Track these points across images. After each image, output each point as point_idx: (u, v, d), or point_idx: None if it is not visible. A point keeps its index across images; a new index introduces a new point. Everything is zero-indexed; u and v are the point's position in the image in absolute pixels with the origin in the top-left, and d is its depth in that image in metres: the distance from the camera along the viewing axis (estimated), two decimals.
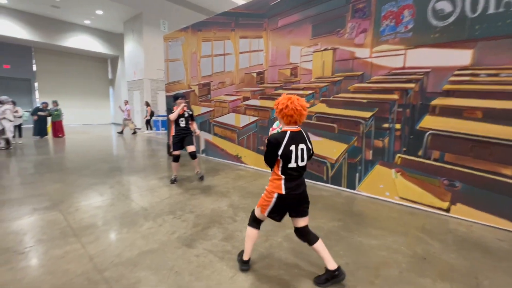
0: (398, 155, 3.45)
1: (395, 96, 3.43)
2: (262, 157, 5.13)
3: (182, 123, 4.19)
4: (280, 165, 1.74)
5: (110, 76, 19.11)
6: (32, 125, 10.12)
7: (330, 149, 4.10)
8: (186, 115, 4.21)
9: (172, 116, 4.09)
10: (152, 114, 12.73)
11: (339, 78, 3.95)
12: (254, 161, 5.33)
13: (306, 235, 1.89)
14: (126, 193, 3.70)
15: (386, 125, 3.54)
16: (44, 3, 12.46)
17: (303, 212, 1.88)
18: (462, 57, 2.92)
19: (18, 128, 8.56)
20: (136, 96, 14.18)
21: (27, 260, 2.07)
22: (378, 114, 3.59)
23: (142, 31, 12.92)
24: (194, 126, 4.33)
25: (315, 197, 3.69)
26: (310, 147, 1.80)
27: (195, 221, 2.82)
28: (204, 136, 6.49)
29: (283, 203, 1.79)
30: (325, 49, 4.05)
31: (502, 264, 2.15)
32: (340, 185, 4.05)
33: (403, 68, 3.33)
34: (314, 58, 4.20)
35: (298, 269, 2.01)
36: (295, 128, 1.74)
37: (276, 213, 1.83)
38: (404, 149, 3.41)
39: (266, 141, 1.73)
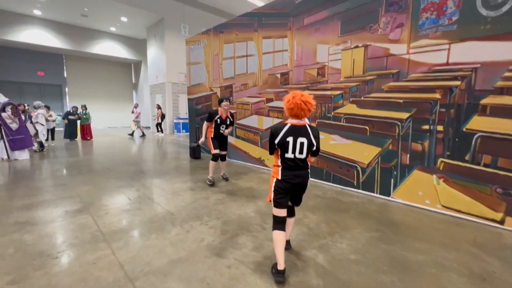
0: (441, 159, 3.15)
1: (436, 95, 3.13)
2: None
3: (223, 130, 4.18)
4: (279, 153, 1.94)
5: (133, 81, 19.82)
6: (63, 128, 10.66)
7: (361, 152, 3.86)
8: (228, 122, 4.20)
9: (204, 126, 4.17)
10: (163, 117, 12.99)
11: (371, 77, 3.70)
12: None
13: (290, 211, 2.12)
14: (152, 197, 3.70)
15: (426, 127, 3.25)
16: (74, 12, 13.17)
17: (298, 202, 2.13)
18: None
19: (51, 131, 9.02)
20: (158, 99, 14.54)
21: (60, 265, 2.07)
22: (417, 115, 3.31)
23: (164, 36, 13.24)
24: (230, 129, 4.30)
25: (346, 203, 3.48)
26: (314, 143, 1.91)
27: (223, 228, 2.71)
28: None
29: (281, 188, 1.93)
30: (355, 47, 3.82)
31: None
32: (372, 191, 3.79)
33: (447, 64, 3.04)
34: (343, 57, 3.98)
35: (337, 280, 1.83)
36: (296, 121, 1.89)
37: (278, 197, 1.94)
38: (448, 153, 3.10)
39: None
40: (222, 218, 2.96)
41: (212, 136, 4.20)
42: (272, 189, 1.96)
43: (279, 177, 1.92)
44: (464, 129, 2.97)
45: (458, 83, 2.98)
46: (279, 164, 1.95)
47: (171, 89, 13.76)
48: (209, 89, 6.84)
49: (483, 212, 2.84)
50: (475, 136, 2.88)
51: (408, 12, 3.27)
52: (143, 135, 12.12)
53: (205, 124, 4.17)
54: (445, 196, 3.12)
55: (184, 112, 14.14)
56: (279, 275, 1.84)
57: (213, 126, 4.17)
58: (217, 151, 4.20)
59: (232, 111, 6.15)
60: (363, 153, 3.84)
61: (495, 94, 2.76)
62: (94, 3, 12.12)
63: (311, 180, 4.56)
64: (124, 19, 13.90)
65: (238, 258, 2.16)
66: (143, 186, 4.23)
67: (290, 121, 1.90)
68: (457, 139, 3.02)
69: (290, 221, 2.15)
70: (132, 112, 12.25)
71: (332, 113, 4.20)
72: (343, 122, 4.07)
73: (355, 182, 3.98)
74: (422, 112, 3.27)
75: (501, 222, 2.76)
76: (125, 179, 4.59)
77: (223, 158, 4.44)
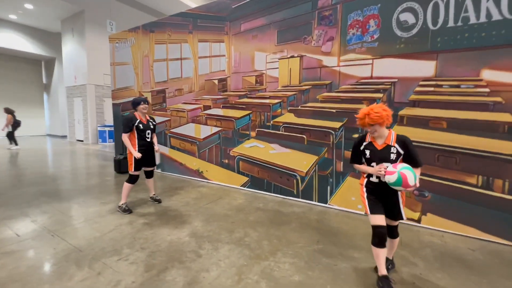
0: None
1: (364, 106, 3.35)
2: (226, 172, 4.71)
3: (148, 137, 3.42)
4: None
5: (44, 81, 16.58)
6: None
7: (300, 161, 3.87)
8: (151, 126, 3.47)
9: (124, 139, 3.29)
10: (16, 124, 9.71)
11: (307, 87, 3.77)
12: (218, 176, 4.84)
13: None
14: (54, 228, 2.89)
15: (356, 135, 3.44)
16: None
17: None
18: (426, 68, 2.96)
19: None
20: (77, 104, 12.44)
21: None
22: (348, 124, 3.48)
23: (85, 32, 11.47)
24: (155, 140, 3.57)
25: (287, 214, 3.39)
26: None
27: (147, 262, 2.23)
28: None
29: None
30: (291, 56, 3.86)
31: (484, 280, 2.07)
32: (311, 199, 3.83)
33: (371, 77, 3.28)
34: (281, 65, 3.98)
35: None
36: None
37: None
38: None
39: (409, 141, 1.86)
40: (148, 249, 2.46)
41: (137, 149, 3.33)
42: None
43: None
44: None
45: (380, 95, 3.24)
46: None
47: (94, 92, 11.95)
48: (139, 94, 6.06)
49: (406, 213, 3.11)
50: None
51: (338, 27, 3.44)
52: (14, 144, 9.83)
53: (124, 136, 3.30)
54: None
55: (111, 119, 12.44)
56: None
57: (135, 136, 3.34)
58: (137, 172, 3.39)
59: (165, 119, 5.56)
60: (302, 162, 3.86)
61: (410, 106, 3.08)
62: None
63: (253, 191, 4.39)
64: (29, 6, 11.50)
65: None
66: (44, 214, 3.31)
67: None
68: None
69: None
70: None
71: (272, 122, 4.13)
72: (282, 131, 4.03)
73: (295, 191, 3.96)
74: (352, 122, 3.46)
75: (418, 220, 3.06)
76: (18, 207, 3.54)
77: (149, 175, 3.67)
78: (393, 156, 1.82)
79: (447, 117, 2.88)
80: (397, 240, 2.06)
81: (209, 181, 4.96)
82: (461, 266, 2.26)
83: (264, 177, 4.24)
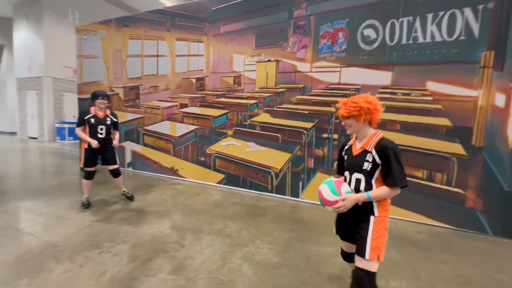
0: (336, 162, 3.74)
1: (332, 109, 3.73)
2: (202, 169, 4.79)
3: (101, 133, 3.31)
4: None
5: None
6: None
7: (274, 158, 4.14)
8: (108, 121, 3.36)
9: (78, 133, 3.21)
10: None
11: (282, 90, 4.06)
12: (194, 174, 4.90)
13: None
14: (23, 226, 2.74)
15: (325, 135, 3.81)
16: None
17: None
18: (384, 77, 3.42)
19: None
20: (31, 97, 11.32)
21: None
22: (318, 125, 3.84)
23: (42, 19, 10.53)
24: (116, 137, 3.50)
25: (263, 208, 3.61)
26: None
27: (131, 253, 2.28)
28: (130, 147, 5.62)
29: None
30: (268, 60, 4.12)
31: (427, 254, 2.51)
32: (284, 194, 4.11)
33: (339, 83, 3.68)
34: (258, 68, 4.22)
35: (264, 286, 1.83)
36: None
37: None
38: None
39: (392, 151, 1.34)
40: (130, 241, 2.49)
41: (87, 145, 3.24)
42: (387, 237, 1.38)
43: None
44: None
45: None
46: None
47: (51, 86, 11.00)
48: (109, 89, 5.84)
49: None
50: None
51: (311, 36, 3.79)
52: None
53: (76, 130, 3.25)
54: None
55: (71, 115, 11.57)
56: None
57: (87, 131, 3.27)
58: (91, 168, 3.31)
59: (139, 116, 5.45)
60: (276, 159, 4.13)
61: None
62: None
63: (229, 187, 4.54)
64: None
65: (154, 287, 1.83)
66: (6, 212, 3.09)
67: (379, 131, 1.47)
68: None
69: None
70: None
71: (248, 121, 4.34)
72: (258, 130, 4.27)
73: (269, 187, 4.21)
74: (322, 123, 3.82)
75: None
76: None
77: (115, 174, 3.51)
78: (367, 165, 1.37)
79: (400, 120, 3.37)
80: None
81: (184, 178, 4.99)
82: (410, 245, 2.69)
83: (240, 174, 4.42)
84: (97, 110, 3.31)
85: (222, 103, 4.59)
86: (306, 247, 2.53)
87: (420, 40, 3.19)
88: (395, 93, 3.39)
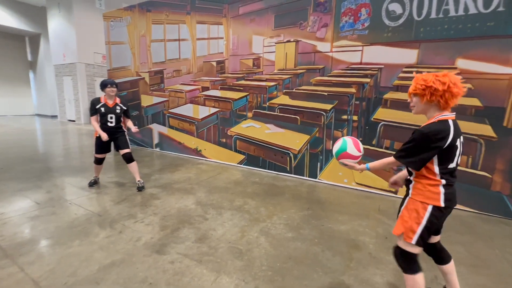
0: None
1: (353, 90, 3.66)
2: (224, 150, 5.02)
3: (111, 121, 3.36)
4: (434, 164, 1.29)
5: (30, 58, 15.94)
6: None
7: (293, 140, 4.21)
8: (118, 110, 3.38)
9: (93, 123, 3.31)
10: None
11: (301, 71, 4.03)
12: (216, 154, 5.15)
13: (441, 252, 1.57)
14: (70, 198, 3.16)
15: (345, 117, 3.78)
16: None
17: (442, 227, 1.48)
18: (409, 56, 3.26)
19: None
20: (67, 83, 12.19)
21: None
22: (338, 106, 3.80)
23: (72, 7, 11.03)
24: (130, 124, 3.52)
25: (281, 187, 3.77)
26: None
27: (161, 224, 2.57)
28: (157, 128, 5.97)
29: (440, 218, 1.31)
30: (288, 41, 4.07)
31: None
32: (302, 175, 4.21)
33: (360, 63, 3.57)
34: (277, 50, 4.19)
35: (281, 263, 2.01)
36: (453, 115, 1.31)
37: (427, 237, 1.33)
38: (360, 138, 3.69)
39: (417, 133, 1.28)
40: (160, 214, 2.79)
41: (98, 134, 3.30)
42: (424, 223, 1.29)
43: (442, 204, 1.28)
44: (372, 119, 3.58)
45: (368, 80, 3.55)
46: (439, 179, 1.28)
47: (84, 71, 11.72)
48: (136, 74, 6.14)
49: (385, 186, 3.55)
50: (379, 125, 3.53)
51: (332, 14, 3.66)
52: None
53: (92, 120, 3.32)
54: (358, 175, 3.73)
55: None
56: None
57: (98, 119, 3.34)
58: (100, 155, 3.43)
59: (164, 99, 5.73)
60: (295, 141, 4.20)
61: (393, 91, 3.41)
62: None
63: (249, 168, 4.73)
64: None
65: (181, 252, 2.10)
66: (56, 186, 3.56)
67: (449, 116, 1.28)
68: (367, 127, 3.63)
69: (448, 270, 1.54)
70: None
71: (268, 104, 4.40)
72: (277, 112, 4.32)
73: (288, 167, 4.33)
74: (341, 104, 3.78)
75: (395, 192, 3.50)
76: (29, 180, 3.76)
77: (128, 159, 3.45)
78: None
79: None
80: None
81: (207, 159, 5.26)
82: None
83: (260, 155, 4.57)
84: (107, 98, 3.36)
85: (242, 86, 4.67)
86: (321, 224, 2.66)
87: (452, 13, 2.96)
88: (421, 72, 3.21)
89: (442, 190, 1.28)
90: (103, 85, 3.32)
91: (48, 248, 2.11)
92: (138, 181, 3.51)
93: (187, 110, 5.41)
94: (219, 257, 2.05)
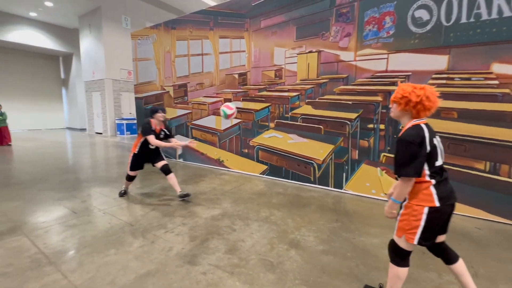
0: (383, 154, 3.63)
1: (379, 98, 3.59)
2: (246, 161, 5.05)
3: (152, 146, 3.48)
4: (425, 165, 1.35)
5: (62, 76, 17.22)
6: None
7: (316, 150, 4.16)
8: (161, 135, 3.54)
9: (153, 142, 3.33)
10: None
11: (324, 80, 4.02)
12: (238, 165, 5.19)
13: (445, 252, 1.57)
14: (104, 208, 3.30)
15: (371, 126, 3.69)
16: None
17: (448, 225, 1.50)
18: (438, 62, 3.16)
19: None
20: (95, 98, 12.97)
21: None
22: (363, 115, 3.73)
23: (102, 27, 11.87)
24: (175, 141, 3.58)
25: (306, 198, 3.71)
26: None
27: (191, 234, 2.60)
28: (181, 140, 6.15)
29: (438, 219, 1.37)
30: (310, 52, 4.10)
31: (488, 251, 2.35)
32: (327, 185, 4.13)
33: (386, 71, 3.51)
34: (299, 60, 4.23)
35: (315, 277, 1.96)
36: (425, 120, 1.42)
37: (431, 236, 1.41)
38: (388, 148, 3.59)
39: (399, 142, 1.36)
40: (189, 224, 2.84)
41: (137, 151, 3.50)
42: (423, 224, 1.34)
43: (437, 204, 1.32)
44: (400, 127, 3.47)
45: (395, 87, 3.46)
46: (428, 179, 1.35)
47: (111, 87, 12.44)
48: (161, 88, 6.42)
49: None
50: None
51: (355, 23, 3.65)
52: None
53: (150, 139, 3.31)
54: (387, 185, 3.60)
55: (127, 112, 12.96)
56: None
57: (141, 141, 3.48)
58: (134, 173, 3.60)
59: (187, 111, 5.91)
60: (319, 151, 4.15)
61: None
62: None
63: (272, 178, 4.71)
64: (49, 3, 11.95)
65: (212, 263, 2.10)
66: (90, 196, 3.74)
67: (420, 121, 1.40)
68: (395, 136, 3.52)
69: (459, 270, 1.51)
70: None
71: (290, 114, 4.41)
72: (300, 122, 4.32)
73: (312, 178, 4.26)
74: (367, 113, 3.70)
75: None
76: (65, 190, 3.98)
77: (165, 170, 3.53)
78: None
79: (458, 107, 3.10)
80: None
81: (229, 169, 5.32)
82: (468, 241, 2.54)
83: (283, 165, 4.55)
84: (156, 123, 3.48)
85: (263, 97, 4.73)
86: (352, 237, 2.57)
87: (484, 17, 2.86)
88: (452, 79, 3.11)
89: (433, 190, 1.34)
90: (154, 111, 3.44)
91: (87, 256, 2.20)
92: (180, 191, 3.52)
93: (210, 121, 5.54)
94: (250, 269, 2.03)
